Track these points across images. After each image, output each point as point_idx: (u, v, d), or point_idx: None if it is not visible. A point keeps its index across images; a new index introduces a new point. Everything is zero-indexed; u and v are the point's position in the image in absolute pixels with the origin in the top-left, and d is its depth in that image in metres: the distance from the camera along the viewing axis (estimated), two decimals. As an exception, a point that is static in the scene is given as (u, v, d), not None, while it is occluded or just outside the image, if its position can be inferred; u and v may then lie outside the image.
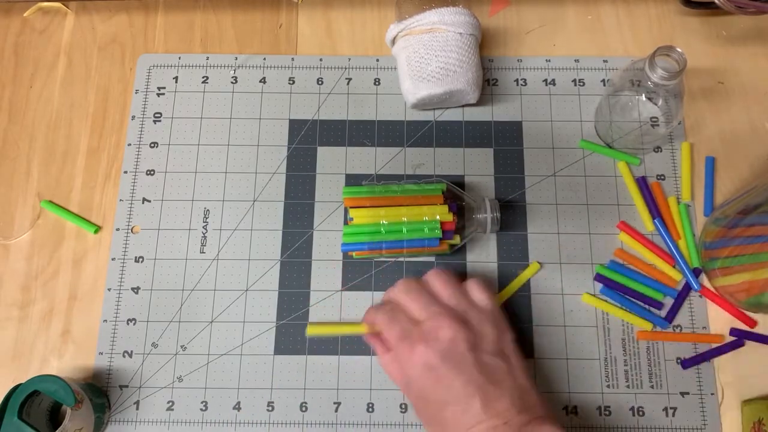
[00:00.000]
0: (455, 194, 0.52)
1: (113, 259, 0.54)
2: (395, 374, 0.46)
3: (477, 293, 0.47)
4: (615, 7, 0.61)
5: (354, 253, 0.51)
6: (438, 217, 0.50)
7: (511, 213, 0.55)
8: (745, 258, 0.49)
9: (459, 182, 0.56)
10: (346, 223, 0.54)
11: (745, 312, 0.52)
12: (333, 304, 0.53)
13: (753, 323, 0.52)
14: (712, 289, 0.53)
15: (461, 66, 0.53)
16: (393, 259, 0.53)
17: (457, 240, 0.51)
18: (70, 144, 0.58)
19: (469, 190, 0.55)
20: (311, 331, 0.50)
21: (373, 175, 0.56)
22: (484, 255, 0.54)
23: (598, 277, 0.53)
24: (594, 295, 0.53)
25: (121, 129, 0.58)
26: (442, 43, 0.53)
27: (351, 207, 0.50)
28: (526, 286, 0.53)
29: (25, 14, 0.62)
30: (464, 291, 0.47)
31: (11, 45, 0.61)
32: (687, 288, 0.53)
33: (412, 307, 0.46)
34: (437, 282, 0.48)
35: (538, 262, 0.53)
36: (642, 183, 0.55)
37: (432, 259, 0.54)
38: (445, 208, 0.50)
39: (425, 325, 0.45)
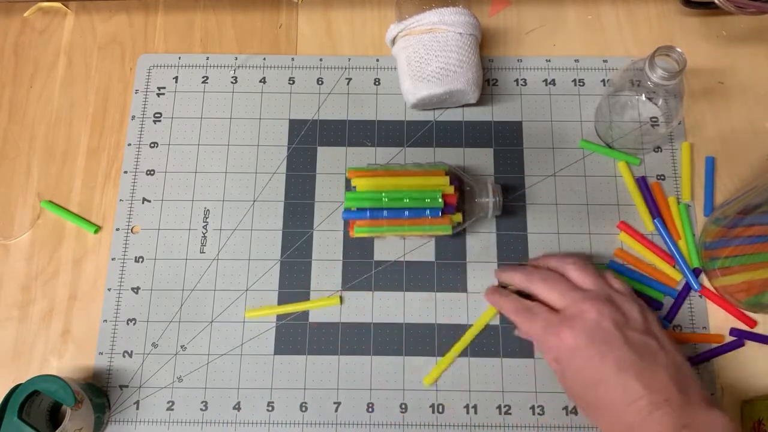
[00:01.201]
0: (457, 176, 0.52)
1: (113, 259, 0.54)
2: (555, 368, 0.45)
3: (613, 280, 0.47)
4: (615, 7, 0.61)
5: (354, 229, 0.51)
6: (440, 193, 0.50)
7: (511, 213, 0.55)
8: (745, 258, 0.49)
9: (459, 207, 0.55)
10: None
11: (745, 312, 0.52)
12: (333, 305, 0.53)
13: (753, 323, 0.52)
14: (712, 289, 0.53)
15: (461, 66, 0.53)
16: (394, 234, 0.51)
17: (458, 217, 0.51)
18: (70, 144, 0.58)
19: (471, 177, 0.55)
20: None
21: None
22: (484, 255, 0.54)
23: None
24: None
25: (121, 129, 0.58)
26: (442, 43, 0.53)
27: (354, 177, 0.51)
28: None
29: (25, 14, 0.62)
30: (603, 277, 0.47)
31: (11, 45, 0.61)
32: (687, 288, 0.53)
33: (551, 296, 0.46)
34: (574, 271, 0.47)
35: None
36: (642, 183, 0.55)
37: (432, 257, 0.54)
38: (447, 179, 0.50)
39: (568, 310, 0.44)
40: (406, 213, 0.50)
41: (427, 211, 0.50)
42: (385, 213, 0.50)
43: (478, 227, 0.55)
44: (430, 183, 0.50)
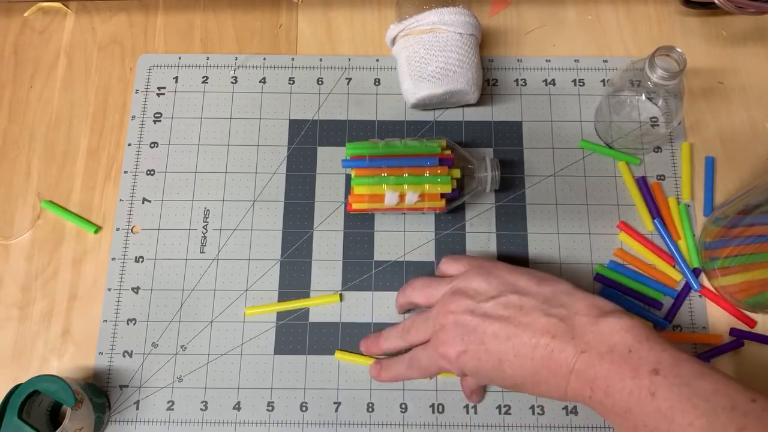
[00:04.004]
0: (456, 150, 0.52)
1: (113, 259, 0.54)
2: (471, 381, 0.47)
3: (449, 266, 0.49)
4: (615, 7, 0.61)
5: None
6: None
7: (511, 213, 0.55)
8: (745, 258, 0.49)
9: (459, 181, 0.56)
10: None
11: (745, 312, 0.52)
12: (333, 304, 0.53)
13: (753, 323, 0.52)
14: (711, 289, 0.53)
15: (461, 66, 0.53)
16: (393, 189, 0.50)
17: (457, 173, 0.51)
18: (70, 144, 0.58)
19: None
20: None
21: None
22: (484, 255, 0.54)
23: (598, 277, 0.53)
24: None
25: (121, 129, 0.58)
26: (442, 44, 0.53)
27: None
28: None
29: (25, 14, 0.62)
30: (442, 274, 0.49)
31: (11, 45, 0.61)
32: (687, 288, 0.53)
33: (423, 331, 0.47)
34: (420, 297, 0.48)
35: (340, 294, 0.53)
36: (642, 183, 0.55)
37: (432, 257, 0.54)
38: (444, 142, 0.51)
39: (435, 333, 0.45)
40: (405, 161, 0.50)
41: (427, 161, 0.50)
42: (384, 162, 0.50)
43: (477, 226, 0.55)
44: (426, 144, 0.52)
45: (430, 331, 0.46)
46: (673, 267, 0.53)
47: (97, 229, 0.55)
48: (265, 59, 0.60)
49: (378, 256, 0.54)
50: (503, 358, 0.41)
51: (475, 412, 0.50)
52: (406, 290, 0.49)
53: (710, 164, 0.56)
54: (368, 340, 0.51)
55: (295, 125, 0.58)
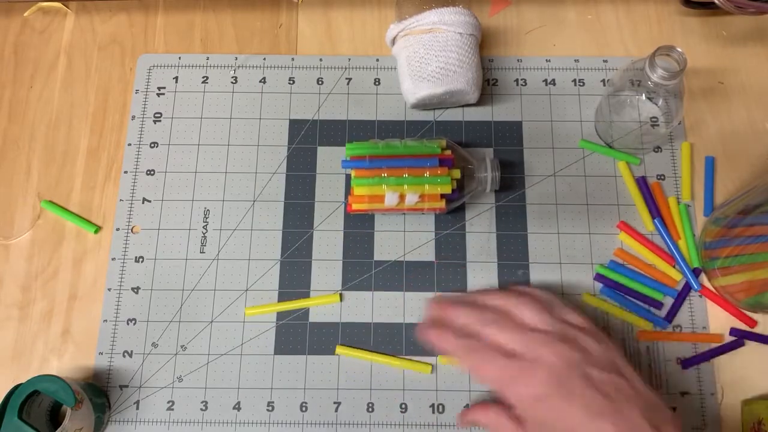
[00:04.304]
0: (456, 150, 0.52)
1: (113, 259, 0.54)
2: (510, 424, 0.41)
3: (568, 314, 0.43)
4: (615, 7, 0.61)
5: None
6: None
7: (511, 213, 0.55)
8: (745, 258, 0.49)
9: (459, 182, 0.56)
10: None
11: (745, 312, 0.52)
12: (333, 304, 0.53)
13: (753, 323, 0.52)
14: (712, 289, 0.53)
15: (461, 66, 0.53)
16: (393, 189, 0.50)
17: (457, 173, 0.50)
18: (70, 144, 0.58)
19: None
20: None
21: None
22: (484, 255, 0.54)
23: (598, 277, 0.53)
24: (594, 295, 0.53)
25: (121, 129, 0.58)
26: (442, 43, 0.53)
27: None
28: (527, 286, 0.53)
29: (25, 14, 0.62)
30: (556, 312, 0.43)
31: (11, 45, 0.61)
32: (687, 288, 0.53)
33: (503, 338, 0.42)
34: (526, 311, 0.43)
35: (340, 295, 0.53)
36: (642, 183, 0.55)
37: (432, 257, 0.54)
38: (444, 142, 0.51)
39: (525, 356, 0.40)
40: (405, 162, 0.50)
41: (427, 162, 0.50)
42: (384, 163, 0.50)
43: (477, 226, 0.55)
44: (426, 144, 0.52)
45: (519, 348, 0.41)
46: (673, 267, 0.53)
47: (97, 229, 0.55)
48: (265, 59, 0.60)
49: (378, 256, 0.54)
50: (576, 429, 0.39)
51: (475, 412, 0.50)
52: (485, 319, 0.43)
53: (710, 164, 0.56)
54: (439, 303, 0.45)
55: (295, 125, 0.58)
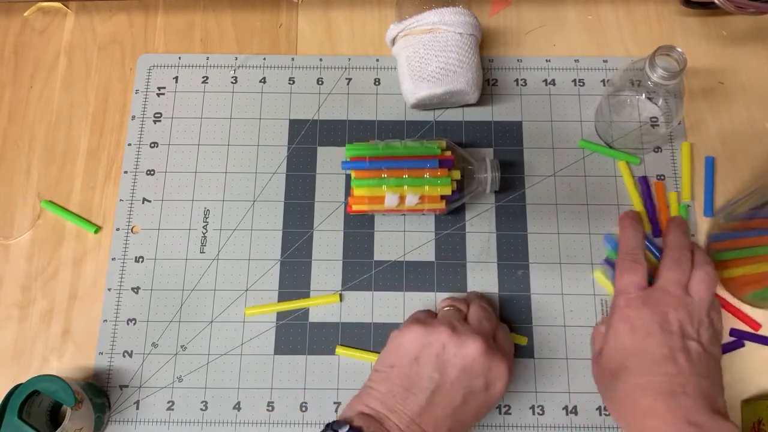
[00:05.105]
0: (456, 151, 0.52)
1: (113, 259, 0.54)
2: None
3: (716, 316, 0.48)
4: (615, 7, 0.61)
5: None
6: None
7: (511, 213, 0.55)
8: (754, 250, 0.49)
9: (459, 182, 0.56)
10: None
11: (752, 307, 0.52)
12: (333, 304, 0.53)
13: (757, 326, 0.51)
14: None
15: (461, 66, 0.53)
16: (392, 190, 0.50)
17: (457, 174, 0.50)
18: (70, 144, 0.58)
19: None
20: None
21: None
22: (484, 255, 0.54)
23: (608, 262, 0.53)
24: (605, 274, 0.53)
25: (121, 129, 0.58)
26: (442, 44, 0.53)
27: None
28: (526, 286, 0.53)
29: (25, 14, 0.62)
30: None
31: (11, 45, 0.61)
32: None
33: (671, 275, 0.47)
34: (698, 273, 0.47)
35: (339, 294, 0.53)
36: (643, 183, 0.55)
37: (432, 257, 0.54)
38: (444, 142, 0.51)
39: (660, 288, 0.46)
40: (405, 163, 0.50)
41: (427, 163, 0.50)
42: (383, 164, 0.50)
43: (477, 227, 0.55)
44: (426, 145, 0.52)
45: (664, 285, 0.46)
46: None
47: (97, 229, 0.55)
48: (265, 59, 0.60)
49: (378, 256, 0.54)
50: (653, 336, 0.44)
51: (475, 412, 0.50)
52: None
53: (710, 164, 0.56)
54: (633, 224, 0.50)
55: (295, 125, 0.58)
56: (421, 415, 0.42)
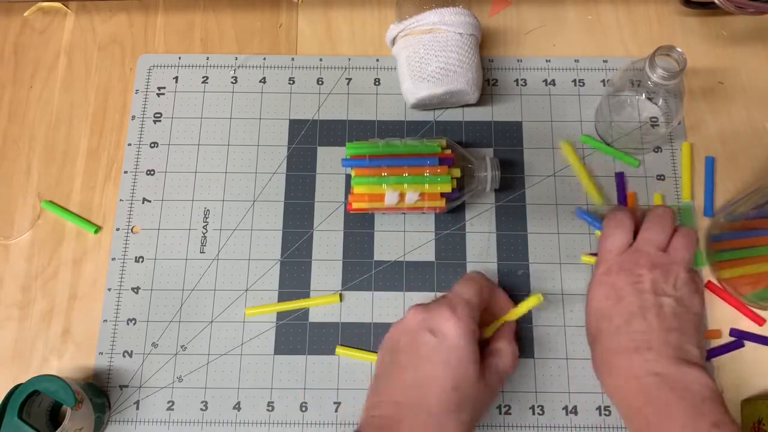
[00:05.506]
0: (456, 149, 0.52)
1: (113, 259, 0.54)
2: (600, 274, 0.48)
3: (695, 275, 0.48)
4: (615, 7, 0.61)
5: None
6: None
7: (511, 213, 0.55)
8: (754, 250, 0.49)
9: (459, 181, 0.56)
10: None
11: (751, 307, 0.52)
12: (333, 304, 0.53)
13: (762, 321, 0.51)
14: (716, 283, 0.53)
15: (461, 66, 0.53)
16: (393, 188, 0.50)
17: (457, 172, 0.51)
18: (70, 144, 0.58)
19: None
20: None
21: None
22: (484, 255, 0.54)
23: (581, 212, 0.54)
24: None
25: (121, 129, 0.58)
26: (442, 44, 0.53)
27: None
28: (527, 286, 0.53)
29: (25, 14, 0.62)
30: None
31: (11, 45, 0.61)
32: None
33: (647, 233, 0.48)
34: (678, 239, 0.48)
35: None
36: (619, 179, 0.55)
37: (432, 257, 0.54)
38: (444, 141, 0.51)
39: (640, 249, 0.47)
40: (405, 161, 0.50)
41: (427, 160, 0.50)
42: (384, 162, 0.50)
43: (477, 226, 0.55)
44: (426, 143, 0.52)
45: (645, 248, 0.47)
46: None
47: (97, 229, 0.55)
48: (265, 59, 0.60)
49: (378, 256, 0.54)
50: (626, 298, 0.45)
51: (475, 412, 0.50)
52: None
53: (710, 164, 0.56)
54: (621, 213, 0.50)
55: (295, 125, 0.58)
56: (405, 392, 0.42)
